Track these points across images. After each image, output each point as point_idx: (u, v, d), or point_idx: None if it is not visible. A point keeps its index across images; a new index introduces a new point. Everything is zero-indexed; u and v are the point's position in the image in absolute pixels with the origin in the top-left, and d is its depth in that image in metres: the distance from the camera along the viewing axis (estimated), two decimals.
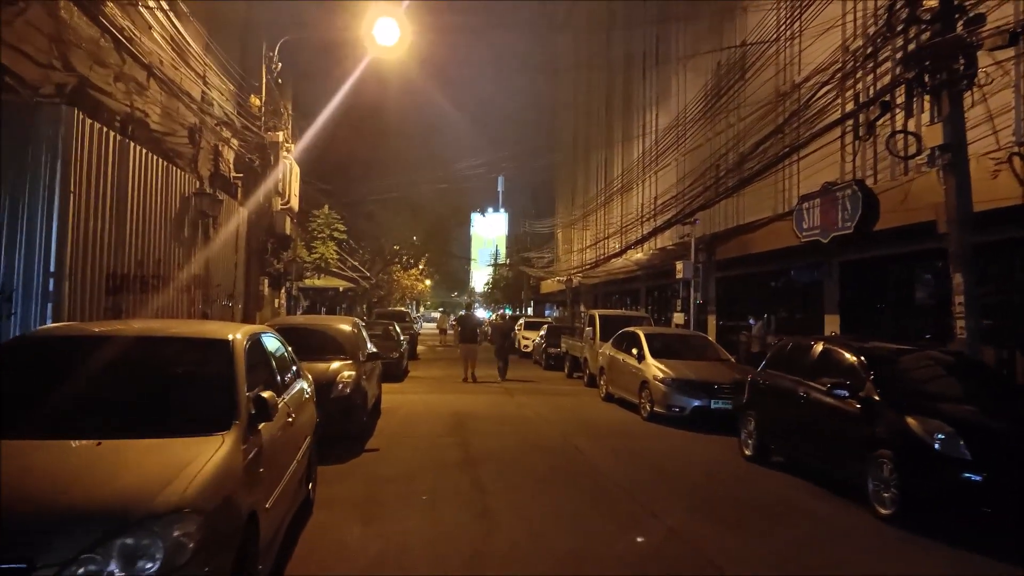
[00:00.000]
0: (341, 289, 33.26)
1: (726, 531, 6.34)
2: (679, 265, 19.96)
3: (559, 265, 43.97)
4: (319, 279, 26.89)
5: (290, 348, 6.29)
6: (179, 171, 12.07)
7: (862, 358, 7.52)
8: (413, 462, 8.56)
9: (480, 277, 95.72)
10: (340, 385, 9.14)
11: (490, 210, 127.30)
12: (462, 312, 27.06)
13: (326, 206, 27.06)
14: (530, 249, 54.32)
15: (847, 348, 7.86)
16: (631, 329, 15.09)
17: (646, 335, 14.07)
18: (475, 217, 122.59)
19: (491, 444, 9.93)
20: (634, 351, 13.74)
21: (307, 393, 6.19)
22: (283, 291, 22.04)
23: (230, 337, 4.59)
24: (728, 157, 19.57)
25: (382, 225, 38.06)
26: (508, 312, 49.69)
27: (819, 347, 8.28)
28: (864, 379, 7.23)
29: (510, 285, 59.56)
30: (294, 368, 6.13)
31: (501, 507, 6.75)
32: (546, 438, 10.65)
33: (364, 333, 11.83)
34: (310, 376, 7.06)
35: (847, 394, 7.19)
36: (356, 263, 34.50)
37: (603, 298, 36.01)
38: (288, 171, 20.17)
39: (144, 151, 10.65)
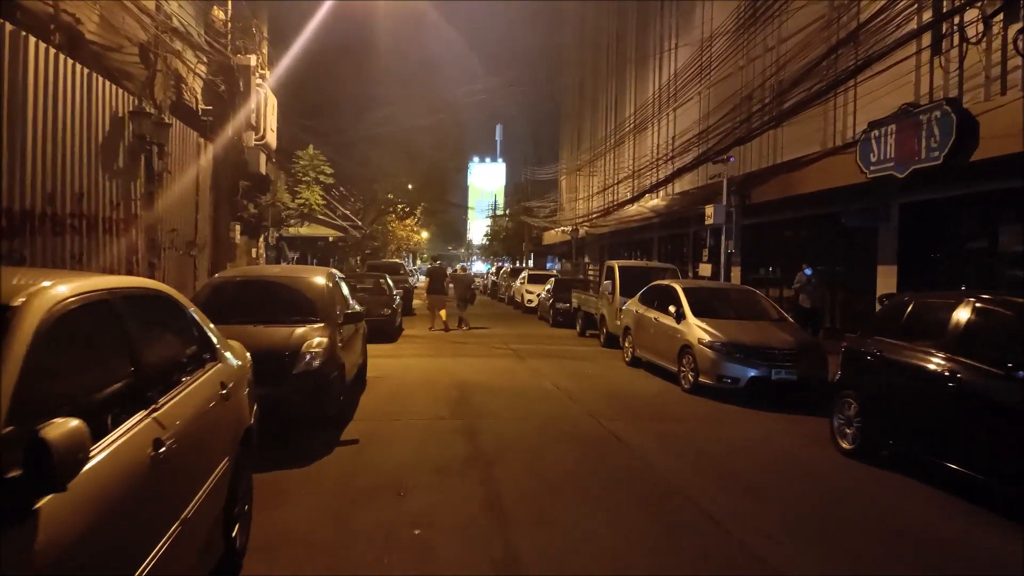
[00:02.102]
0: (331, 239, 30.83)
1: None
2: (709, 209, 17.56)
3: (563, 215, 41.40)
4: (304, 227, 24.39)
5: (199, 314, 3.96)
6: (106, 82, 9.52)
7: None
8: (402, 463, 6.31)
9: (478, 229, 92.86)
10: (307, 356, 6.89)
11: (488, 160, 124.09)
12: (432, 264, 25.18)
13: (311, 146, 24.44)
14: (531, 199, 51.59)
15: None
16: (665, 282, 12.75)
17: (685, 290, 11.75)
18: (472, 167, 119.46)
19: (506, 431, 7.65)
20: (671, 308, 11.45)
21: (224, 388, 3.84)
22: (261, 240, 19.59)
23: (17, 303, 2.24)
24: (767, 85, 17.09)
25: (376, 170, 35.38)
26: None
27: (966, 308, 5.92)
28: None
29: (510, 237, 56.84)
30: (202, 351, 3.79)
31: (532, 548, 4.47)
32: (574, 421, 8.36)
33: (343, 287, 9.48)
34: (247, 353, 4.76)
35: None
36: (347, 211, 31.97)
37: (611, 249, 33.62)
38: (263, 102, 17.56)
39: (50, 49, 8.16)
